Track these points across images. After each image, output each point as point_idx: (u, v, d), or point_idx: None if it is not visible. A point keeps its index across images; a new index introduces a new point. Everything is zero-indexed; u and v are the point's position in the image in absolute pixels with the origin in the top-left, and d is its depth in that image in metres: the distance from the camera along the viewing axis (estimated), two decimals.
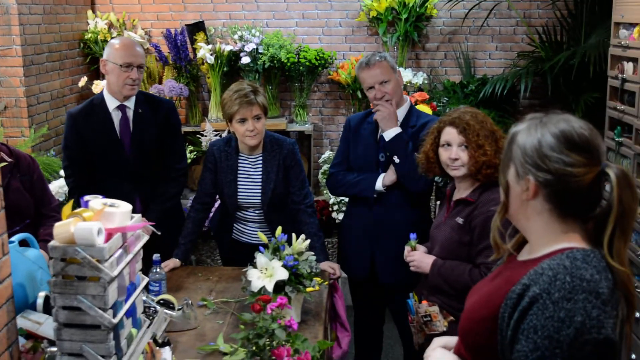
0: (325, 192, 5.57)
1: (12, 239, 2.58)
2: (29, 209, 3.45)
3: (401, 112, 3.70)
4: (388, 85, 3.61)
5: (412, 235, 3.24)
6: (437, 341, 2.13)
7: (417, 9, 5.75)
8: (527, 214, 1.75)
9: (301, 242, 3.01)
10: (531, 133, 1.72)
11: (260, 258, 2.92)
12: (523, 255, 1.82)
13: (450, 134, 3.04)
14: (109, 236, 2.15)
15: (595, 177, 1.67)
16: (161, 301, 2.96)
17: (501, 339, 1.70)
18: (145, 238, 2.43)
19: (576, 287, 1.57)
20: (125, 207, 2.28)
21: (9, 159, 3.25)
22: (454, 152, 3.01)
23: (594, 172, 1.66)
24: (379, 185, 3.67)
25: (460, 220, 3.01)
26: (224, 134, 5.57)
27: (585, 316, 1.54)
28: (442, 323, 3.00)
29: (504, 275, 1.81)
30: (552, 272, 1.61)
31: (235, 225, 3.82)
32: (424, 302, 3.07)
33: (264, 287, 2.84)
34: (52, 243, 2.08)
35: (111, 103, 3.76)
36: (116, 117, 3.77)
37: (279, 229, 3.08)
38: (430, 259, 3.11)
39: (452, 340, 2.07)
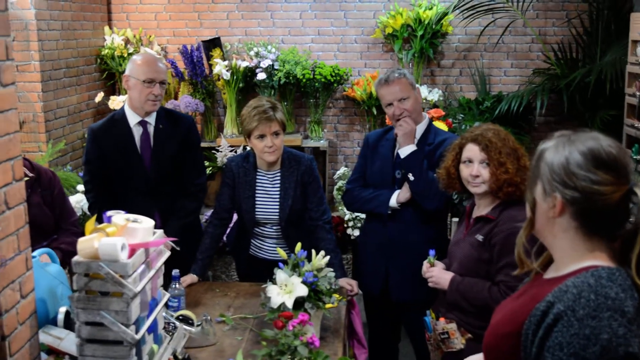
0: (340, 208, 5.57)
1: (34, 254, 2.58)
2: (49, 224, 3.47)
3: (420, 129, 3.69)
4: (407, 102, 3.61)
5: (432, 252, 3.23)
6: None
7: (433, 26, 5.77)
8: (553, 231, 1.74)
9: (321, 259, 3.00)
10: (559, 150, 1.71)
11: (280, 274, 2.91)
12: (549, 273, 1.81)
13: (472, 150, 3.03)
14: (132, 252, 2.16)
15: (622, 195, 1.65)
16: (180, 317, 2.95)
17: (525, 355, 1.69)
18: (167, 254, 2.44)
19: (601, 305, 1.56)
20: (147, 222, 2.29)
21: (31, 174, 3.27)
22: (475, 169, 3.00)
23: (622, 190, 1.65)
24: (393, 202, 3.66)
25: (480, 237, 2.99)
26: (239, 150, 5.59)
27: (611, 334, 1.53)
28: (460, 340, 2.98)
29: (529, 293, 1.80)
30: (576, 289, 1.61)
31: (252, 241, 3.82)
32: (442, 319, 3.04)
33: (283, 303, 2.83)
34: (75, 258, 2.09)
35: (132, 118, 3.77)
36: (137, 132, 3.78)
37: (299, 245, 3.07)
38: (449, 275, 3.09)
39: (477, 358, 2.06)
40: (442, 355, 3.03)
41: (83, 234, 3.73)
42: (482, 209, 3.07)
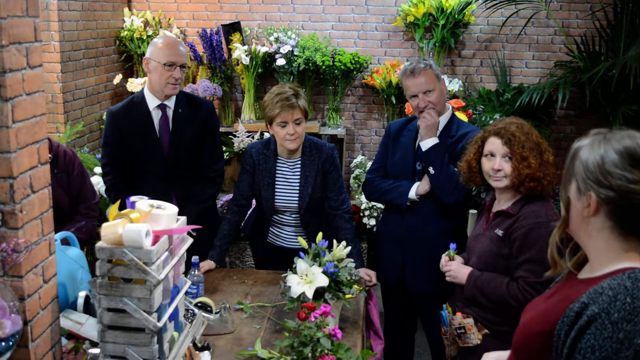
0: (356, 196, 5.54)
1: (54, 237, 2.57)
2: (63, 207, 3.44)
3: (442, 120, 3.65)
4: (432, 94, 3.56)
5: (452, 246, 3.19)
6: (488, 356, 2.09)
7: (455, 16, 5.71)
8: (587, 231, 1.71)
9: (342, 249, 2.97)
10: (594, 149, 1.68)
11: (301, 264, 2.89)
12: (584, 273, 1.78)
13: (494, 144, 2.99)
14: (156, 239, 2.14)
15: None
16: (199, 304, 2.94)
17: (556, 356, 1.67)
18: (190, 241, 2.42)
19: (637, 308, 1.53)
20: (171, 209, 2.26)
21: (48, 155, 3.24)
22: (497, 162, 2.96)
23: None
24: (412, 194, 3.63)
25: (500, 232, 2.96)
26: (257, 136, 5.56)
27: None
28: (477, 336, 2.95)
29: (562, 293, 1.77)
30: (612, 292, 1.57)
31: (270, 228, 3.80)
32: (459, 314, 3.02)
33: (303, 293, 2.81)
34: (99, 244, 2.08)
35: (152, 102, 3.74)
36: (156, 116, 3.75)
37: (320, 234, 3.04)
38: (467, 269, 3.06)
39: (504, 355, 2.03)
40: (458, 350, 3.01)
41: (100, 218, 3.76)
42: (502, 203, 3.04)
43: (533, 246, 2.83)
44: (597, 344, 1.54)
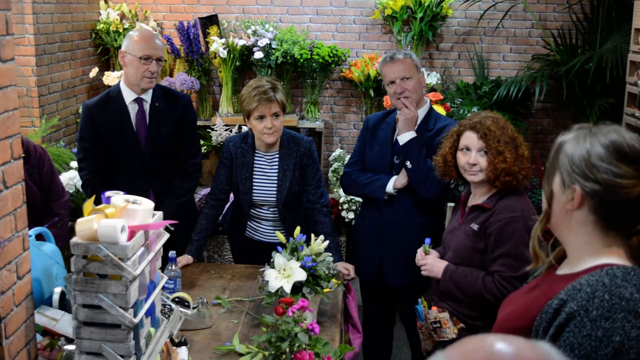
0: (335, 190, 5.53)
1: (29, 232, 2.54)
2: (36, 202, 3.41)
3: (420, 114, 3.64)
4: (410, 82, 3.56)
5: (427, 240, 3.20)
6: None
7: (433, 9, 5.70)
8: (569, 225, 1.71)
9: (320, 243, 2.96)
10: (580, 142, 1.68)
11: (278, 258, 2.88)
12: (563, 269, 1.78)
13: (470, 138, 2.99)
14: (132, 234, 2.12)
15: None
16: (176, 299, 2.92)
17: None
18: (166, 236, 2.40)
19: (615, 305, 1.53)
20: (147, 204, 2.24)
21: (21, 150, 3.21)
22: (472, 157, 2.96)
23: None
24: (389, 188, 3.63)
25: (475, 226, 2.96)
26: (235, 129, 5.54)
27: (624, 336, 1.50)
28: (452, 330, 2.96)
29: (541, 288, 1.77)
30: (590, 288, 1.57)
31: (249, 223, 3.78)
32: (434, 308, 3.02)
33: (281, 287, 2.80)
34: (74, 240, 2.05)
35: (128, 96, 3.70)
36: (132, 110, 3.72)
37: (298, 229, 3.03)
38: (443, 264, 3.06)
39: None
40: (434, 344, 3.01)
41: (72, 216, 3.72)
42: (478, 197, 3.04)
43: (508, 240, 2.84)
44: (575, 342, 1.53)
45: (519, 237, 2.82)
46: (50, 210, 3.57)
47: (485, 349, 0.99)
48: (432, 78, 5.75)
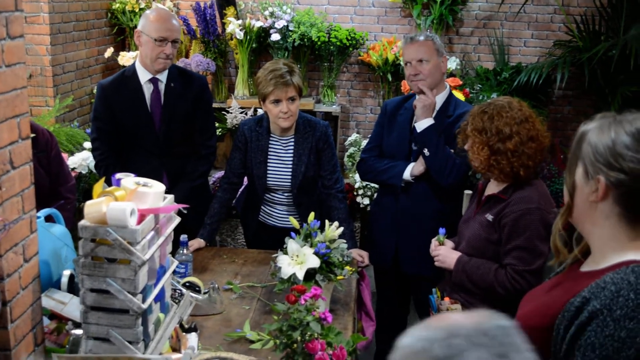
0: (350, 175, 5.47)
1: (38, 214, 2.49)
2: (44, 186, 3.37)
3: (439, 100, 3.58)
4: (426, 65, 3.49)
5: (442, 230, 3.13)
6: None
7: None
8: (593, 218, 1.64)
9: (334, 230, 2.90)
10: (604, 131, 1.61)
11: (292, 244, 2.82)
12: (586, 265, 1.71)
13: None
14: (142, 217, 2.06)
15: None
16: (187, 283, 2.87)
17: (554, 351, 1.60)
18: (177, 220, 2.34)
19: None
20: (158, 187, 2.19)
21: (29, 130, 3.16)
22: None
23: None
24: (406, 174, 3.57)
25: (490, 217, 2.90)
26: (250, 112, 5.47)
27: None
28: None
29: (564, 286, 1.70)
30: (615, 287, 1.50)
31: (262, 207, 3.73)
32: (447, 299, 2.97)
33: (294, 274, 2.74)
34: (82, 222, 2.00)
35: (143, 75, 3.65)
36: (147, 90, 3.67)
37: (312, 214, 2.97)
38: (456, 255, 3.01)
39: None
40: None
41: (80, 201, 3.68)
42: (493, 187, 2.98)
43: (523, 233, 2.77)
44: (597, 342, 1.46)
45: (533, 230, 2.75)
46: (59, 194, 3.53)
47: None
48: (452, 63, 5.66)
